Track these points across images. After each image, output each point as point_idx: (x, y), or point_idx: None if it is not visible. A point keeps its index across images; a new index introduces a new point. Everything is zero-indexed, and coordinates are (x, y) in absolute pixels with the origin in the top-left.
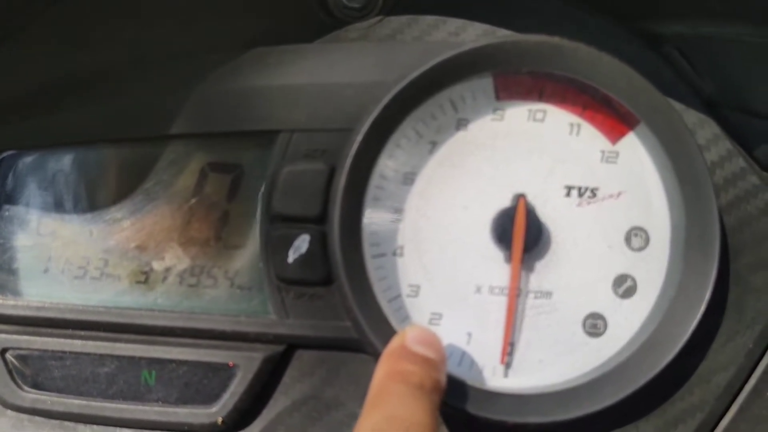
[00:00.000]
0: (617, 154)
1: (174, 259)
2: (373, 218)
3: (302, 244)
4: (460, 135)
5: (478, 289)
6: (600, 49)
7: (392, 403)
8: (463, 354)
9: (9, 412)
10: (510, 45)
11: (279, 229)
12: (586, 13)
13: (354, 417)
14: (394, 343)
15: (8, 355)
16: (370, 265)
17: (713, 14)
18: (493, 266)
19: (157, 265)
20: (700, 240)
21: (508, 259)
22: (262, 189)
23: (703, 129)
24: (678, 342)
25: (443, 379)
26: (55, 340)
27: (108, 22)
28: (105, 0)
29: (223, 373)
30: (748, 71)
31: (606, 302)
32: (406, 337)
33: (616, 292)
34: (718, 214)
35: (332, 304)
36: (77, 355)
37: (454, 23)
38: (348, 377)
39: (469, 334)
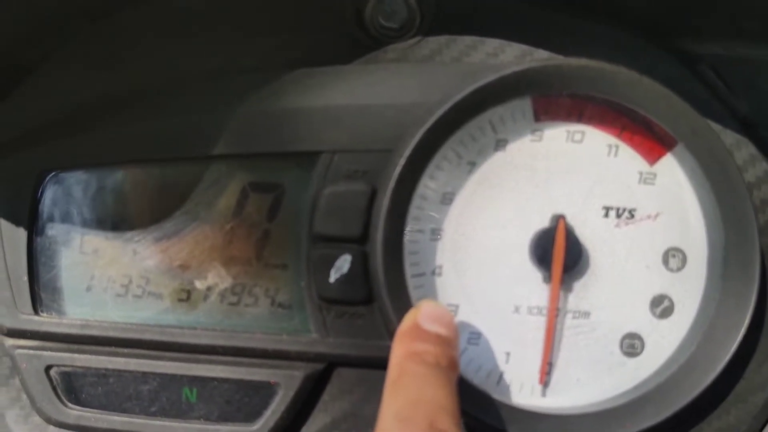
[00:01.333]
0: (655, 175)
1: (216, 278)
2: (413, 238)
3: (344, 264)
4: (499, 156)
5: (517, 309)
6: (639, 72)
7: (413, 386)
8: (502, 373)
9: (52, 428)
10: (551, 69)
11: (321, 249)
12: (621, 33)
13: None
14: (406, 322)
15: (52, 372)
16: (411, 284)
17: (749, 35)
18: (532, 286)
19: (199, 284)
20: (738, 261)
21: (547, 279)
22: (305, 209)
23: (740, 150)
24: (718, 363)
25: (458, 356)
26: (98, 357)
27: (147, 41)
28: (143, 19)
29: (264, 391)
30: None
31: (643, 322)
32: (419, 314)
33: (653, 313)
34: (757, 234)
35: (373, 324)
36: (120, 373)
37: (492, 44)
38: None
39: (508, 354)
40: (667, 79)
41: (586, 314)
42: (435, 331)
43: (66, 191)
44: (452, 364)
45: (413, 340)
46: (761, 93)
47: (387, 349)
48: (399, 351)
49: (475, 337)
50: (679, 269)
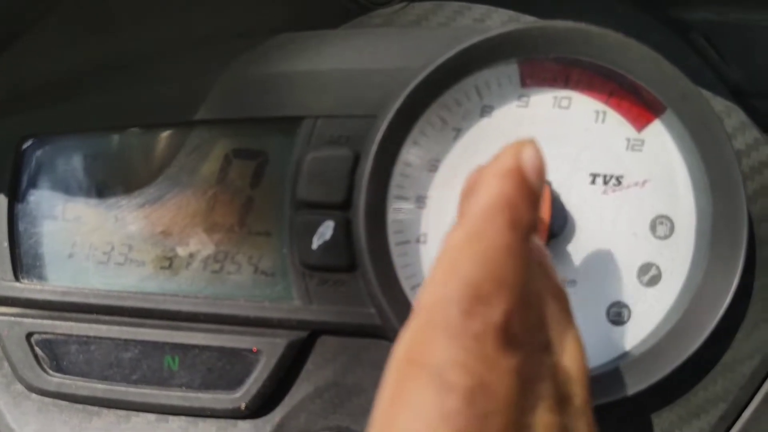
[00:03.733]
0: (643, 141)
1: (198, 245)
2: (397, 205)
3: (327, 230)
4: (485, 122)
5: None
6: (627, 36)
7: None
8: None
9: (34, 395)
10: (537, 31)
11: (303, 215)
12: (611, 0)
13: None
14: (508, 162)
15: (34, 339)
16: (394, 252)
17: (741, 1)
18: None
19: (182, 251)
20: (726, 229)
21: None
22: (289, 175)
23: (730, 117)
24: (703, 331)
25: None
26: (80, 324)
27: (131, 7)
28: None
29: (246, 359)
30: None
31: (630, 291)
32: (524, 161)
33: (640, 281)
34: (745, 202)
35: (356, 291)
36: (101, 340)
37: (478, 9)
38: (370, 363)
39: None
40: (658, 47)
41: (572, 282)
42: (532, 181)
43: (48, 157)
44: (541, 224)
45: (515, 189)
46: (753, 60)
47: (370, 317)
48: (488, 196)
49: None
50: (666, 237)
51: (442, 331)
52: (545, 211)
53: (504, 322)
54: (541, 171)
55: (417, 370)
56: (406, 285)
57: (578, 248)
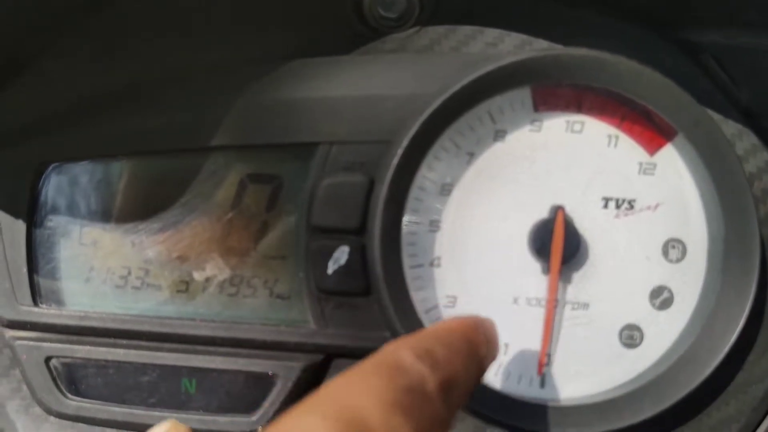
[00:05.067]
0: (655, 165)
1: (214, 269)
2: (411, 229)
3: (342, 255)
4: (498, 146)
5: (516, 300)
6: (639, 61)
7: (459, 357)
8: (500, 364)
9: (52, 418)
10: (550, 58)
11: (319, 240)
12: (622, 24)
13: None
14: (472, 319)
15: (52, 363)
16: (409, 275)
17: (751, 24)
18: (531, 277)
19: (198, 275)
20: (739, 252)
21: (546, 270)
22: (304, 201)
23: (742, 140)
24: (717, 355)
25: (487, 368)
26: (98, 348)
27: (146, 33)
28: (142, 12)
29: (262, 383)
30: None
31: (643, 314)
32: (482, 322)
33: (653, 304)
34: (758, 225)
35: (371, 315)
36: (119, 364)
37: (491, 33)
38: None
39: (506, 345)
40: (669, 70)
41: (585, 305)
42: (490, 341)
43: (65, 183)
44: (485, 369)
45: (474, 330)
46: (763, 82)
47: (384, 340)
48: (459, 323)
49: None
50: (678, 260)
51: None
52: (558, 236)
53: None
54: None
55: None
56: (420, 308)
57: (591, 272)
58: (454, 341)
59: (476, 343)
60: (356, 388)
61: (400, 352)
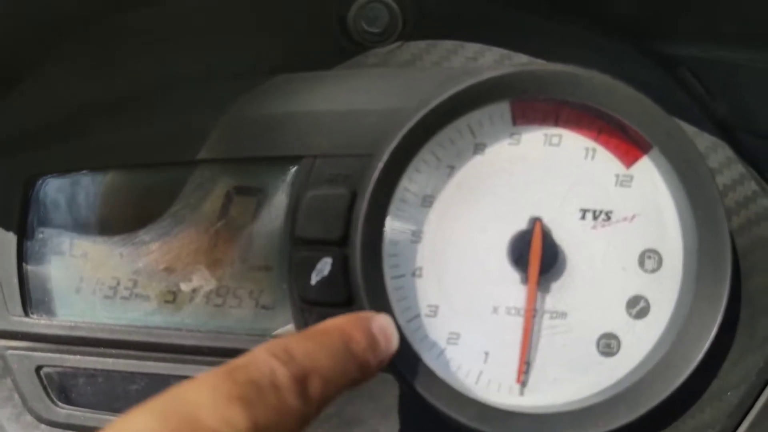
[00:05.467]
0: (631, 177)
1: (201, 280)
2: (392, 240)
3: (324, 266)
4: (478, 159)
5: (495, 310)
6: (614, 75)
7: (324, 351)
8: (480, 373)
9: (43, 426)
10: (527, 74)
11: (302, 251)
12: (600, 37)
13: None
14: (362, 315)
15: (43, 372)
16: (390, 286)
17: (726, 38)
18: (510, 287)
19: (185, 286)
20: (712, 262)
21: (525, 280)
22: (288, 212)
23: (716, 152)
24: (691, 362)
25: (373, 370)
26: (87, 358)
27: (134, 48)
28: (130, 27)
29: None
30: (761, 95)
31: (620, 323)
32: (375, 317)
33: (629, 313)
34: (730, 236)
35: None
36: (108, 373)
37: (471, 48)
38: (368, 395)
39: (486, 353)
40: (647, 82)
41: (563, 315)
42: (376, 337)
43: (55, 195)
44: (365, 366)
45: (356, 326)
46: (738, 96)
47: None
48: (336, 322)
49: (454, 337)
50: (654, 270)
51: None
52: (536, 247)
53: None
54: (387, 332)
55: None
56: (401, 318)
57: (569, 282)
58: (322, 338)
59: (351, 339)
60: (194, 385)
61: (254, 351)
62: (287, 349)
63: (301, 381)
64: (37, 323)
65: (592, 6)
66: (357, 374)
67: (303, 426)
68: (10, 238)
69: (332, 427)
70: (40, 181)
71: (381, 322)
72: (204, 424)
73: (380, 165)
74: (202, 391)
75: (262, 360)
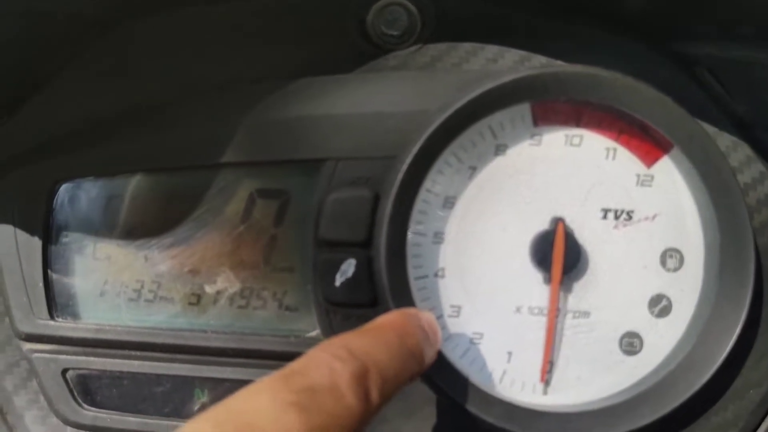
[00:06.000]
0: (652, 177)
1: (225, 282)
2: (416, 241)
3: (348, 268)
4: (499, 160)
5: (518, 310)
6: (635, 76)
7: (381, 346)
8: (504, 372)
9: (69, 428)
10: (548, 75)
11: (326, 253)
12: (618, 38)
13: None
14: (410, 311)
15: (69, 375)
16: (414, 286)
17: (745, 38)
18: (533, 287)
19: (209, 288)
20: (734, 260)
21: (547, 280)
22: (311, 215)
23: (736, 151)
24: (714, 361)
25: (427, 362)
26: (113, 360)
27: (156, 53)
28: (151, 32)
29: None
30: None
31: (642, 321)
32: (421, 314)
33: (651, 312)
34: (752, 235)
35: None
36: (134, 375)
37: (491, 50)
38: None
39: (510, 353)
40: (665, 82)
41: (586, 314)
42: (426, 331)
43: (79, 200)
44: (421, 359)
45: (408, 322)
46: (757, 94)
47: None
48: (388, 319)
49: (478, 337)
50: (676, 269)
51: None
52: (559, 247)
53: None
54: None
55: None
56: None
57: (591, 281)
58: (378, 333)
59: (406, 333)
60: (251, 393)
61: (313, 351)
62: (346, 346)
63: (361, 378)
64: (62, 326)
65: (609, 8)
66: (415, 367)
67: (364, 423)
68: (35, 243)
69: None
70: (64, 187)
71: (428, 317)
72: (262, 429)
73: (404, 167)
74: (260, 399)
75: (321, 360)
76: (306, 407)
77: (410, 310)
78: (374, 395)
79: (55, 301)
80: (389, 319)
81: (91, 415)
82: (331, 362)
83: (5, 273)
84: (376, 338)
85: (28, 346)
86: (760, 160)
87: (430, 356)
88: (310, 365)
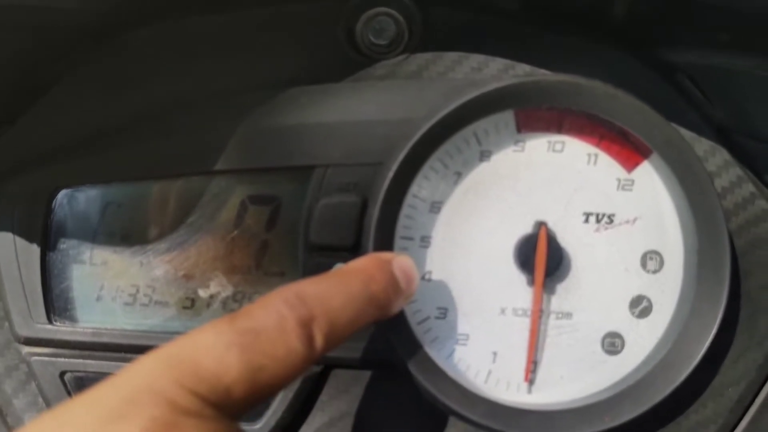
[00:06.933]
0: (633, 182)
1: (218, 287)
2: (403, 246)
3: None
4: (484, 166)
5: (503, 311)
6: (614, 83)
7: (338, 287)
8: (489, 372)
9: None
10: (531, 84)
11: (316, 257)
12: (600, 45)
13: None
14: (383, 256)
15: (67, 378)
16: None
17: (723, 46)
18: (517, 289)
19: (203, 293)
20: (712, 262)
21: (531, 282)
22: (301, 220)
23: (714, 156)
24: (693, 359)
25: (394, 308)
26: (109, 363)
27: (151, 64)
28: (146, 45)
29: None
30: (757, 100)
31: (623, 322)
32: (395, 259)
33: (632, 312)
34: (729, 237)
35: (366, 328)
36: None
37: (476, 59)
38: (380, 395)
39: (495, 353)
40: (646, 89)
41: (569, 315)
42: (397, 277)
43: (76, 207)
44: (385, 305)
45: (377, 267)
46: (735, 100)
47: (379, 351)
48: (357, 264)
49: (464, 338)
50: (656, 271)
51: None
52: (541, 250)
53: None
54: (407, 273)
55: None
56: (412, 320)
57: (574, 283)
58: (340, 279)
59: (371, 279)
60: (199, 333)
61: (268, 296)
62: (299, 293)
63: (306, 323)
64: (60, 330)
65: (591, 18)
66: (375, 313)
67: (307, 365)
68: (33, 249)
69: (346, 425)
70: (62, 194)
71: (402, 262)
72: (203, 364)
73: (390, 173)
74: (205, 337)
75: (270, 304)
76: (247, 347)
77: (384, 255)
78: (318, 340)
79: (54, 306)
80: (357, 264)
81: None
82: (280, 307)
83: (5, 278)
84: (331, 284)
85: (27, 349)
86: (737, 164)
87: (397, 302)
88: (259, 309)
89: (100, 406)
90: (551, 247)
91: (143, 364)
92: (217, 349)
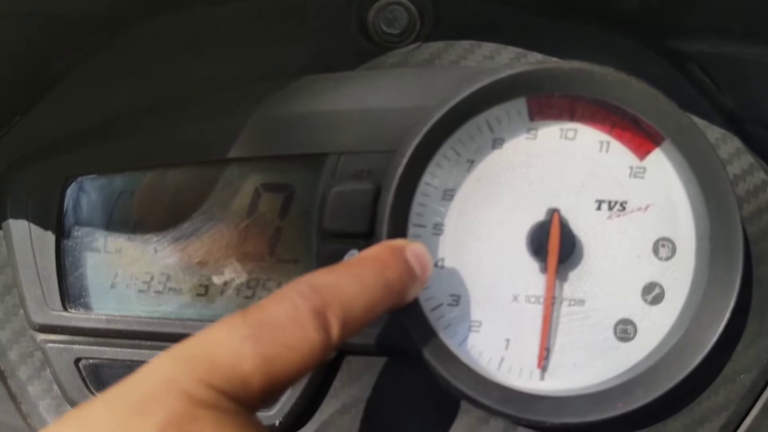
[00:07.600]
0: (645, 169)
1: (232, 274)
2: (416, 233)
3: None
4: (496, 153)
5: (515, 298)
6: (628, 72)
7: (351, 281)
8: (502, 359)
9: None
10: (543, 71)
11: (329, 244)
12: (612, 34)
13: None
14: (396, 243)
15: (81, 364)
16: None
17: (734, 35)
18: (529, 276)
19: (217, 279)
20: (724, 249)
21: (544, 269)
22: (315, 207)
23: (726, 143)
24: (705, 346)
25: (410, 295)
26: (124, 350)
27: (164, 53)
28: (160, 33)
29: None
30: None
31: (635, 309)
32: (408, 246)
33: (645, 299)
34: (741, 224)
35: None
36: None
37: (488, 47)
38: (393, 383)
39: (508, 340)
40: (658, 77)
41: (581, 302)
42: (411, 264)
43: (90, 195)
44: (400, 292)
45: (390, 254)
46: (746, 89)
47: (393, 338)
48: (371, 252)
49: (476, 324)
50: (668, 258)
51: None
52: (554, 237)
53: None
54: (421, 258)
55: None
56: (425, 307)
57: (586, 270)
58: (354, 268)
59: (386, 266)
60: (212, 329)
61: (282, 289)
62: (312, 284)
63: (321, 312)
64: (75, 317)
65: (604, 7)
66: (392, 300)
67: (323, 354)
68: (48, 237)
69: (359, 411)
70: (76, 182)
71: (415, 249)
72: (218, 358)
73: (404, 161)
74: (218, 333)
75: (283, 297)
76: (260, 339)
77: (397, 242)
78: (334, 328)
79: (68, 293)
80: (371, 253)
81: None
82: (294, 298)
83: (20, 266)
84: (345, 273)
85: (41, 336)
86: (749, 152)
87: (412, 289)
88: (272, 302)
89: (119, 404)
90: (564, 234)
91: (159, 361)
92: (232, 342)
